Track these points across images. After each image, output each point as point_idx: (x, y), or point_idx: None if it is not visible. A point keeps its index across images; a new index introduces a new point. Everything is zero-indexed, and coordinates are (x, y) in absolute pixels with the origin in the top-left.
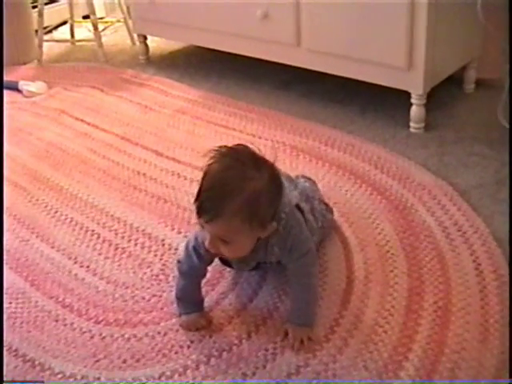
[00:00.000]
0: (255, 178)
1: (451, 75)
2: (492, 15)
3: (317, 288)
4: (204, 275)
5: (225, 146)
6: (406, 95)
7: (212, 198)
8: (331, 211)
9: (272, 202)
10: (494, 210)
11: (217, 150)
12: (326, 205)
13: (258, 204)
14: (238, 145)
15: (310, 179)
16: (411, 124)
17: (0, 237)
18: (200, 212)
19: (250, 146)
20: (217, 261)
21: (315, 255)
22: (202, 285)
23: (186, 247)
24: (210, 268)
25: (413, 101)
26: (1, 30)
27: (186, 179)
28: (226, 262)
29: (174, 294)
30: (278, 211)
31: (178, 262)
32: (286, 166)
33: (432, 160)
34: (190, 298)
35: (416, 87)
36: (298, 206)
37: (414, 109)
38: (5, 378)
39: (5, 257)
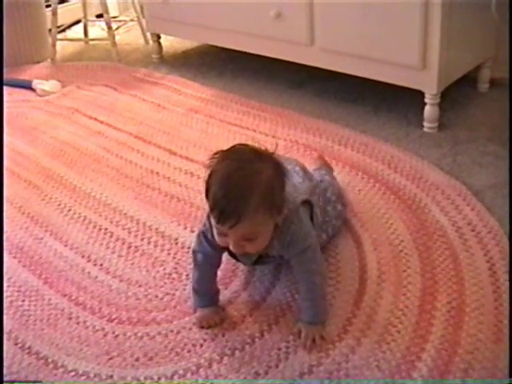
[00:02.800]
0: (263, 170)
1: (465, 75)
2: (506, 14)
3: (322, 286)
4: (218, 265)
5: (221, 151)
6: (420, 95)
7: (231, 203)
8: (344, 204)
9: (282, 185)
10: (507, 209)
11: (215, 157)
12: (340, 197)
13: (273, 192)
14: (236, 145)
15: (329, 169)
16: (425, 123)
17: (0, 235)
18: (222, 220)
19: (248, 142)
20: (229, 258)
21: (316, 252)
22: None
23: (198, 235)
24: (222, 267)
25: (426, 100)
26: (1, 30)
27: (199, 178)
28: (232, 253)
29: (189, 288)
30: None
31: (193, 252)
32: None
33: (445, 160)
34: (205, 290)
35: (430, 87)
36: (306, 201)
37: (427, 108)
38: (6, 378)
39: (18, 255)
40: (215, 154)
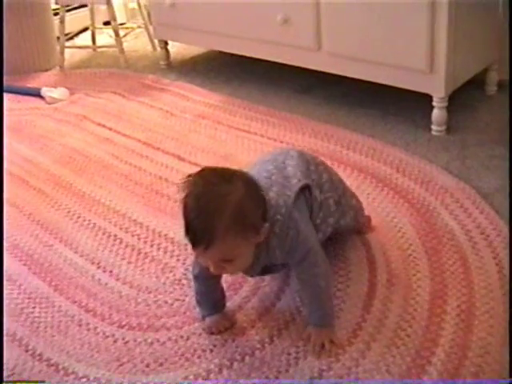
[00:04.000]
0: (231, 192)
1: (473, 77)
2: None
3: (327, 288)
4: (219, 276)
5: (189, 176)
6: (428, 98)
7: (200, 226)
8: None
9: (256, 205)
10: (509, 210)
11: (185, 183)
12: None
13: (244, 213)
14: (201, 169)
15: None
16: (433, 127)
17: (0, 235)
18: (195, 243)
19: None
20: None
21: (318, 255)
22: (225, 289)
23: (195, 257)
24: None
25: (434, 104)
26: (1, 32)
27: None
28: None
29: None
30: (273, 214)
31: (191, 265)
32: None
33: (454, 163)
34: (208, 300)
35: (438, 90)
36: (303, 187)
37: (435, 112)
38: (5, 379)
39: (28, 262)
40: (187, 176)
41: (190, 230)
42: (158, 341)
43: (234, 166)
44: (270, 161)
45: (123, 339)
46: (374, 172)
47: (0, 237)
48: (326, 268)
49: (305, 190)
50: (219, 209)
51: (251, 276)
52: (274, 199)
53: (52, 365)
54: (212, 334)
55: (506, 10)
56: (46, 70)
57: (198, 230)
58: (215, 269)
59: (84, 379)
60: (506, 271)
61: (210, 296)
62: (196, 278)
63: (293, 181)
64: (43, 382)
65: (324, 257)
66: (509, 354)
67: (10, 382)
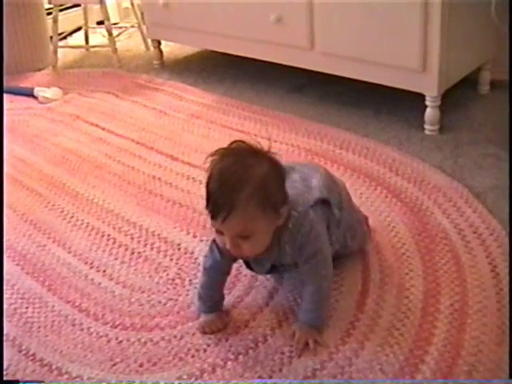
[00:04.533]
0: (257, 165)
1: (465, 77)
2: (506, 16)
3: (329, 291)
4: (228, 273)
5: (221, 148)
6: (421, 97)
7: (222, 195)
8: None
9: (279, 185)
10: (509, 211)
11: (214, 153)
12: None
13: (266, 188)
14: (233, 142)
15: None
16: (426, 126)
17: (0, 236)
18: (214, 213)
19: (246, 139)
20: (240, 261)
21: (327, 257)
22: None
23: (210, 242)
24: None
25: (427, 103)
26: (1, 32)
27: (201, 183)
28: (247, 263)
29: (193, 293)
30: (290, 208)
31: (205, 256)
32: None
33: (447, 162)
34: (210, 297)
35: (430, 89)
36: (323, 200)
37: (428, 111)
38: (5, 378)
39: (22, 262)
40: (215, 152)
41: (210, 200)
42: (152, 340)
43: None
44: (296, 171)
45: (117, 339)
46: (367, 171)
47: (0, 237)
48: (330, 272)
49: (325, 204)
50: (243, 179)
51: (260, 273)
52: (293, 196)
53: (45, 365)
54: (205, 333)
55: (498, 9)
56: (39, 70)
57: (220, 198)
58: (232, 246)
59: (77, 379)
60: (499, 270)
61: (213, 293)
62: (207, 270)
63: (315, 191)
64: (42, 381)
65: (331, 262)
66: (509, 354)
67: (10, 381)
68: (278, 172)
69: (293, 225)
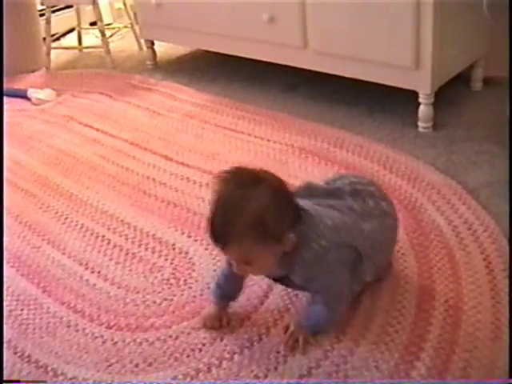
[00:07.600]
0: (254, 197)
1: (459, 74)
2: (498, 13)
3: (338, 318)
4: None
5: (222, 172)
6: (414, 95)
7: (218, 227)
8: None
9: (280, 214)
10: (503, 208)
11: (218, 178)
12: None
13: (263, 221)
14: (236, 168)
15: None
16: (419, 123)
17: (0, 237)
18: (213, 240)
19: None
20: None
21: (339, 294)
22: None
23: None
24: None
25: (421, 100)
26: (1, 33)
27: (195, 183)
28: None
29: (206, 280)
30: (312, 237)
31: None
32: (295, 168)
33: (441, 159)
34: (222, 289)
35: (424, 87)
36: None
37: (421, 108)
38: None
39: (16, 264)
40: (219, 174)
41: (209, 228)
42: (147, 341)
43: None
44: (362, 197)
45: (112, 340)
46: (362, 169)
47: (0, 239)
48: (343, 305)
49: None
50: (238, 213)
51: (267, 276)
52: (325, 226)
53: (41, 366)
54: (205, 326)
55: (489, 6)
56: (33, 71)
57: (217, 229)
58: (237, 268)
59: (73, 380)
60: (494, 266)
61: (225, 288)
62: (222, 271)
63: (358, 239)
64: (44, 381)
65: (346, 297)
66: (509, 354)
67: (10, 381)
68: (280, 199)
69: (309, 256)
